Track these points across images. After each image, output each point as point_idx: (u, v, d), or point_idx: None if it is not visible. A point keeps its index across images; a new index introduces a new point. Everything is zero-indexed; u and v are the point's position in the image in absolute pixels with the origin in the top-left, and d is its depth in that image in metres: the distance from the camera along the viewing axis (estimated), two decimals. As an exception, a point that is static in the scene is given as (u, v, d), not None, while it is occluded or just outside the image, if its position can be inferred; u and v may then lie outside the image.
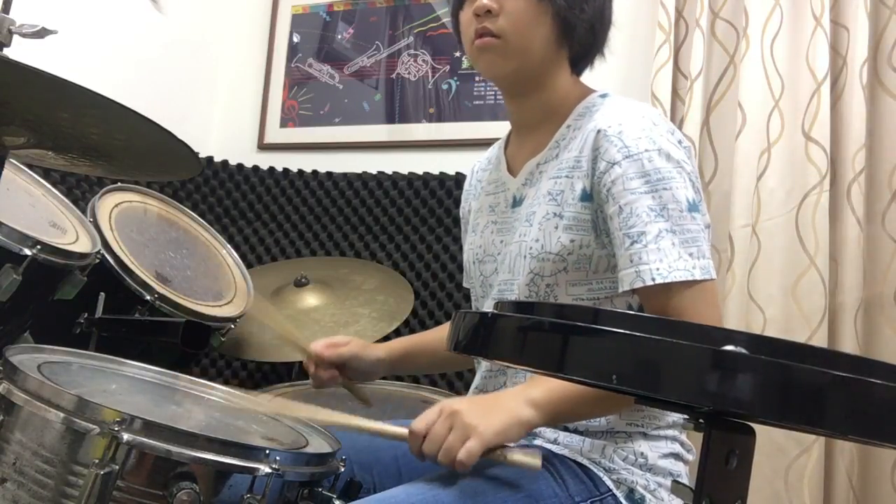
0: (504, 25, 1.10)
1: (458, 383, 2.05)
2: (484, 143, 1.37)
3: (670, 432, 1.11)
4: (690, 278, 0.99)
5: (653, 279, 0.99)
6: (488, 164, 1.33)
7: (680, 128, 1.95)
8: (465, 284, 1.36)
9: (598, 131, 1.07)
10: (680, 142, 1.08)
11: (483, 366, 1.22)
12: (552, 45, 1.13)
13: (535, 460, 0.95)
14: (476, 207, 1.31)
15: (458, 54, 2.34)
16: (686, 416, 0.56)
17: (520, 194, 1.19)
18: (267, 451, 0.87)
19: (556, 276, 1.09)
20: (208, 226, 1.98)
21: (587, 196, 1.07)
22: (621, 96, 1.18)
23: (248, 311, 1.74)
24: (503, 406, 0.97)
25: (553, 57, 1.14)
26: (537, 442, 1.10)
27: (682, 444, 1.12)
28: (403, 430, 0.98)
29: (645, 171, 1.02)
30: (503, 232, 1.21)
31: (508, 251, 1.17)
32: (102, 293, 1.47)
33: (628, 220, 1.02)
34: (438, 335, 1.42)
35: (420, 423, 0.96)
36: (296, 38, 2.62)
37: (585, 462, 1.06)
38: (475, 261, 1.26)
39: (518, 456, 0.95)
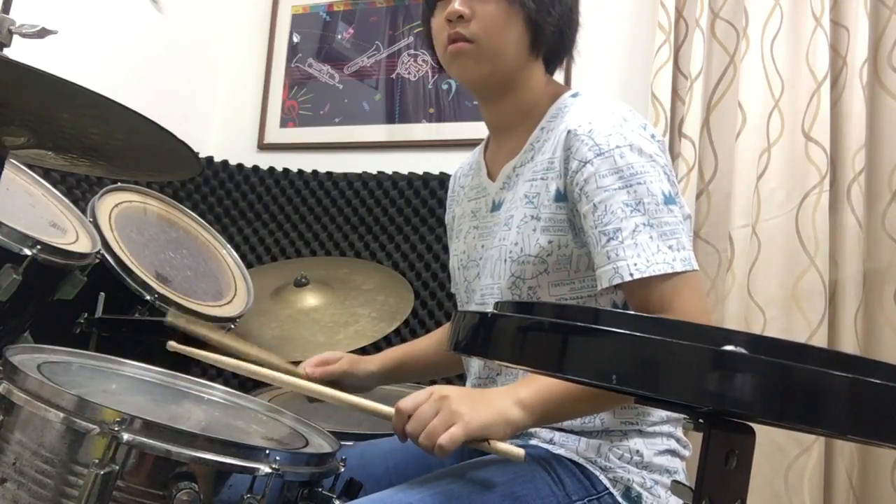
0: (476, 30, 1.11)
1: (457, 383, 2.04)
2: (484, 143, 1.37)
3: (666, 428, 1.11)
4: (670, 271, 0.99)
5: (631, 275, 0.99)
6: (469, 170, 1.34)
7: (680, 128, 1.95)
8: (452, 290, 1.36)
9: (569, 131, 1.07)
10: (653, 136, 1.08)
11: (473, 373, 1.22)
12: (524, 48, 1.14)
13: (519, 451, 0.94)
14: (459, 213, 1.31)
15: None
16: (686, 416, 0.56)
17: (498, 198, 1.20)
18: (267, 451, 0.87)
19: (538, 279, 1.09)
20: (208, 226, 1.98)
21: (561, 196, 1.07)
22: (592, 94, 1.17)
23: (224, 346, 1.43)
24: (492, 402, 0.97)
25: (525, 59, 1.15)
26: (533, 442, 1.10)
27: (677, 440, 1.12)
28: (390, 409, 0.98)
29: (618, 168, 1.02)
30: (484, 237, 1.21)
31: (489, 255, 1.17)
32: (102, 293, 1.47)
33: (603, 217, 1.02)
34: (429, 342, 1.42)
35: (408, 402, 0.96)
36: (296, 38, 2.62)
37: (581, 461, 1.06)
38: (460, 266, 1.26)
39: (503, 445, 0.95)
